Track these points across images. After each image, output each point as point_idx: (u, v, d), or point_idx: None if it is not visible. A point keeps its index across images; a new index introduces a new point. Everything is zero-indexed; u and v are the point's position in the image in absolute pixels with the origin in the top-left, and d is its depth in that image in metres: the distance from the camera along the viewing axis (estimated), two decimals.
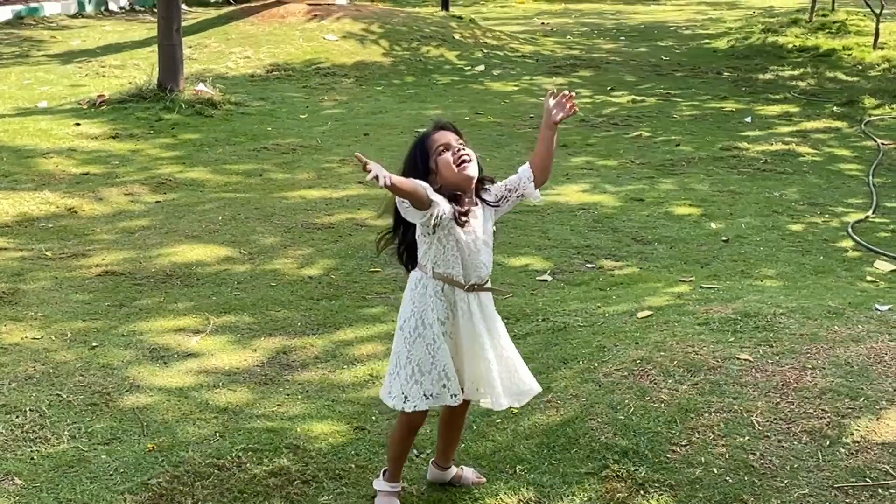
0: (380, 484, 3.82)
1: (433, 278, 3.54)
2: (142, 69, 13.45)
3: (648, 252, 7.14)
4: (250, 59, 14.93)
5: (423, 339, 3.55)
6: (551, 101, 3.57)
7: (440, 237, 3.50)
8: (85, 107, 11.68)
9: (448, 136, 3.51)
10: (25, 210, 7.81)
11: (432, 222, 3.42)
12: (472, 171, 3.50)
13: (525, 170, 3.65)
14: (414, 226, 3.54)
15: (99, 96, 11.91)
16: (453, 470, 3.93)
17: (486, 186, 3.64)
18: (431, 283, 3.55)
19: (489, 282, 3.66)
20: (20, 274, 6.44)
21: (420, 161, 3.49)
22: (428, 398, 3.58)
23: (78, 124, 10.84)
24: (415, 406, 3.58)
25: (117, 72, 14.05)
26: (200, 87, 12.18)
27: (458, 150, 3.48)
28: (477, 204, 3.58)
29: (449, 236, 3.50)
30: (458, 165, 3.46)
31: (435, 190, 3.44)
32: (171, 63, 11.77)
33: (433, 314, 3.54)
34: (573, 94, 3.60)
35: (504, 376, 3.64)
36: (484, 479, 3.94)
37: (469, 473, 3.96)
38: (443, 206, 3.42)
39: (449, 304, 3.55)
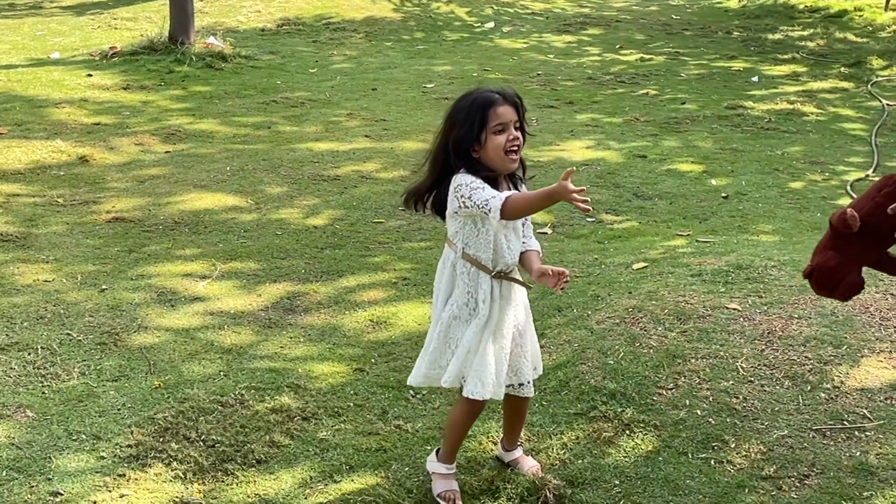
0: (434, 465, 3.65)
1: (462, 258, 3.44)
2: (153, 22, 13.56)
3: (648, 207, 7.26)
4: (261, 12, 14.99)
5: (458, 319, 3.47)
6: (546, 276, 3.35)
7: (476, 218, 3.39)
8: (97, 58, 11.79)
9: (510, 115, 3.35)
10: (38, 158, 7.96)
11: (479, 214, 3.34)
12: (516, 164, 3.41)
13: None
14: (448, 180, 3.41)
15: (111, 48, 12.01)
16: (515, 454, 3.82)
17: (518, 174, 3.51)
18: (460, 262, 3.45)
19: (515, 272, 3.54)
20: (33, 219, 6.60)
21: (477, 128, 3.34)
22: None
23: (90, 75, 10.96)
24: (480, 394, 3.43)
25: (129, 24, 14.14)
26: (211, 40, 12.26)
27: (513, 137, 3.35)
28: (509, 188, 3.46)
29: (486, 218, 3.35)
30: (506, 153, 3.35)
31: (475, 159, 3.36)
32: (182, 16, 11.86)
33: (459, 297, 3.45)
34: (567, 279, 3.36)
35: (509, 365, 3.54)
36: (540, 474, 3.73)
37: (526, 464, 3.80)
38: (497, 196, 3.27)
39: (471, 288, 3.45)
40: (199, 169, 7.82)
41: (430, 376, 3.56)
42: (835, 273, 2.39)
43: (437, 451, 3.70)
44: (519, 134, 3.38)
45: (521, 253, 3.52)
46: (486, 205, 3.25)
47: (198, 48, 11.84)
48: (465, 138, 3.34)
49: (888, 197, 2.35)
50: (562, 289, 3.34)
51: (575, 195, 3.08)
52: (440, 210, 3.51)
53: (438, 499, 3.59)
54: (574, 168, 3.24)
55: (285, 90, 10.80)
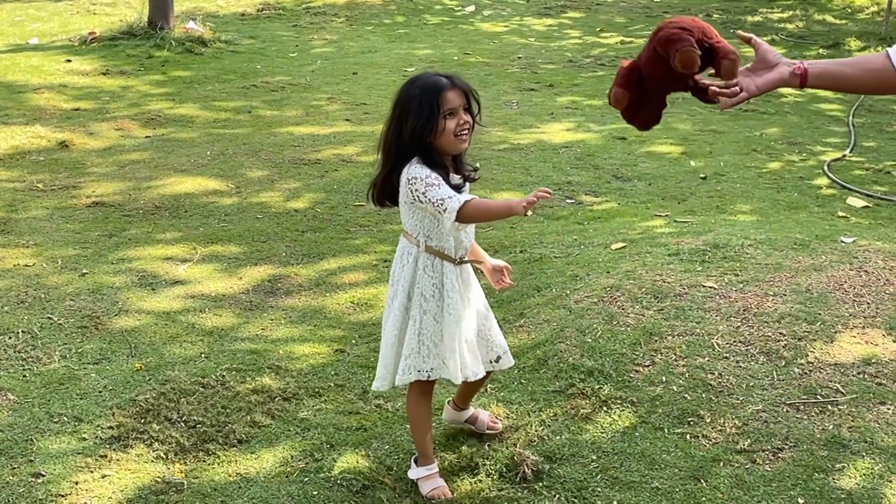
0: (415, 472, 3.62)
1: (425, 251, 3.46)
2: (132, 7, 13.50)
3: (627, 188, 7.30)
4: None
5: (428, 313, 3.47)
6: (493, 273, 3.68)
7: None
8: (76, 44, 11.74)
9: (459, 99, 3.36)
10: (17, 143, 7.94)
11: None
12: (465, 144, 3.42)
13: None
14: (401, 167, 3.42)
15: (90, 33, 11.97)
16: (469, 411, 3.87)
17: (464, 159, 3.52)
18: (423, 256, 3.45)
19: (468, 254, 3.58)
20: (12, 204, 6.60)
21: (430, 116, 3.32)
22: (435, 369, 3.49)
23: (69, 61, 10.92)
24: (428, 376, 3.48)
25: (108, 9, 14.08)
26: (191, 24, 12.23)
27: (463, 121, 3.35)
28: (457, 171, 3.47)
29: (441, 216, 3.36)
30: (456, 136, 3.36)
31: (429, 145, 3.36)
32: (161, 1, 11.82)
33: (425, 289, 3.46)
34: (512, 283, 3.75)
35: (480, 343, 3.62)
36: (499, 426, 3.86)
37: (485, 416, 3.88)
38: (455, 197, 3.31)
39: (435, 280, 3.46)
40: (180, 153, 7.82)
41: (405, 378, 3.52)
42: (628, 110, 2.91)
43: (415, 460, 3.68)
44: (469, 118, 3.39)
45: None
46: (442, 204, 3.28)
47: (177, 33, 11.80)
48: (426, 129, 3.33)
49: (653, 50, 2.81)
50: (502, 287, 3.69)
51: (530, 203, 3.13)
52: (392, 198, 3.50)
53: (428, 498, 3.56)
54: (537, 196, 3.20)
55: (265, 74, 10.79)
